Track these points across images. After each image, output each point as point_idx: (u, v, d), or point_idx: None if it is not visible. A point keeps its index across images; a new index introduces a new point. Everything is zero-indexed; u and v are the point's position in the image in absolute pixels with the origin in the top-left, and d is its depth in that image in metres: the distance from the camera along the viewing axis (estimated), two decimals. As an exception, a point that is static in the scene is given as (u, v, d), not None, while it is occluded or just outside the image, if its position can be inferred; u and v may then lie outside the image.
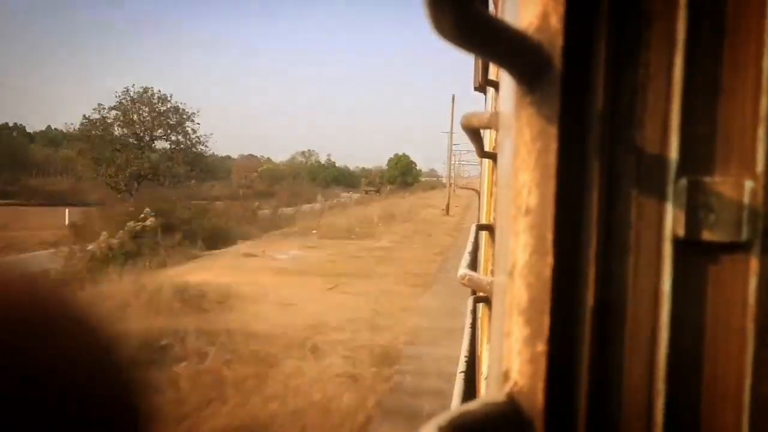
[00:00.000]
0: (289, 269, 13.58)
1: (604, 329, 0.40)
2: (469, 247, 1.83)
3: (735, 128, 0.39)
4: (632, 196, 0.40)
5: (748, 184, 0.39)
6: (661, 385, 0.39)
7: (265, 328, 7.97)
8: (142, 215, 17.25)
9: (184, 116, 41.34)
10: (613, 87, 0.40)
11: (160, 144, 41.05)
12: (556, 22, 0.38)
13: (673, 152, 0.39)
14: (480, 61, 2.59)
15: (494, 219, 1.77)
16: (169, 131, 40.96)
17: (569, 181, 0.39)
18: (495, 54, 0.38)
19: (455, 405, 1.64)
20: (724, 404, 0.39)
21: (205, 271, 12.71)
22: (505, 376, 0.39)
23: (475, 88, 3.23)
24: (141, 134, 39.94)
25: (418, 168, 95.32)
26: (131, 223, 16.57)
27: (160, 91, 40.97)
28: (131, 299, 8.89)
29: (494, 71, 1.95)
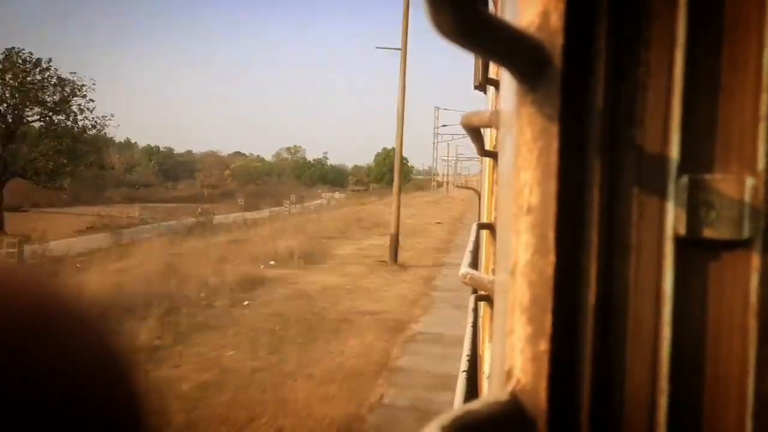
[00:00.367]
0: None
1: (606, 327, 0.40)
2: (470, 246, 1.83)
3: (735, 126, 0.39)
4: (633, 194, 0.40)
5: (749, 182, 0.39)
6: (663, 383, 0.39)
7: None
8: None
9: (73, 90, 29.98)
10: (613, 85, 0.40)
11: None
12: (556, 20, 0.38)
13: (674, 150, 0.39)
14: (480, 60, 2.59)
15: (495, 218, 1.77)
16: (46, 110, 29.54)
17: (570, 180, 0.39)
18: (495, 53, 0.38)
19: (458, 404, 1.64)
20: (727, 402, 0.39)
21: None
22: (508, 374, 0.39)
23: (475, 87, 3.23)
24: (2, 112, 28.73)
25: (410, 164, 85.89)
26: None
27: (32, 54, 29.06)
28: None
29: (494, 70, 1.95)
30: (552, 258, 0.38)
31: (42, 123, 30.14)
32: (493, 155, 1.85)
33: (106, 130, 32.67)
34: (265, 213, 33.76)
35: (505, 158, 0.49)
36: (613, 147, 0.40)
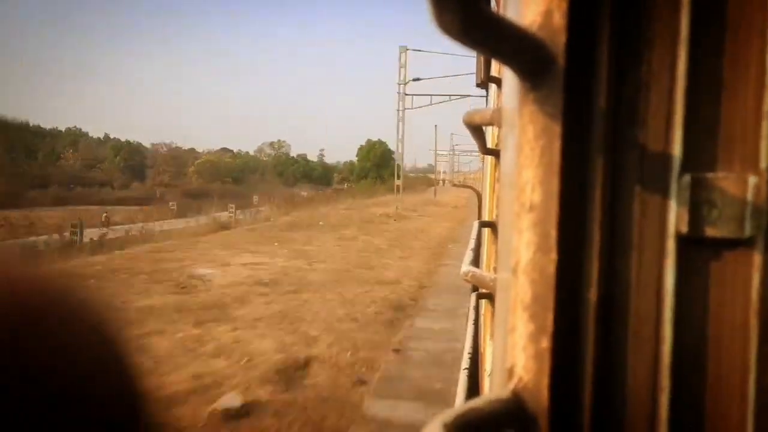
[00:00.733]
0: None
1: (608, 325, 0.40)
2: (471, 244, 1.83)
3: (738, 124, 0.39)
4: (635, 192, 0.40)
5: (752, 180, 0.39)
6: (665, 381, 0.39)
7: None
8: None
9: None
10: (616, 84, 0.40)
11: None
12: (559, 19, 0.38)
13: (677, 149, 0.40)
14: (482, 58, 2.58)
15: (497, 216, 1.77)
16: None
17: (573, 178, 0.39)
18: (498, 52, 0.38)
19: (459, 402, 1.65)
20: (729, 400, 0.39)
21: None
22: (510, 372, 0.39)
23: (477, 85, 3.23)
24: None
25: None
26: None
27: None
28: None
29: (496, 68, 1.94)
30: (554, 256, 0.38)
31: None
32: (495, 153, 1.85)
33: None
34: (204, 220, 23.11)
35: (507, 156, 0.49)
36: (616, 145, 0.40)
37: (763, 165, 0.39)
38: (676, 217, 0.40)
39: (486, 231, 2.35)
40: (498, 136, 1.77)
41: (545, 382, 0.38)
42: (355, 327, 7.07)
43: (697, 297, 0.40)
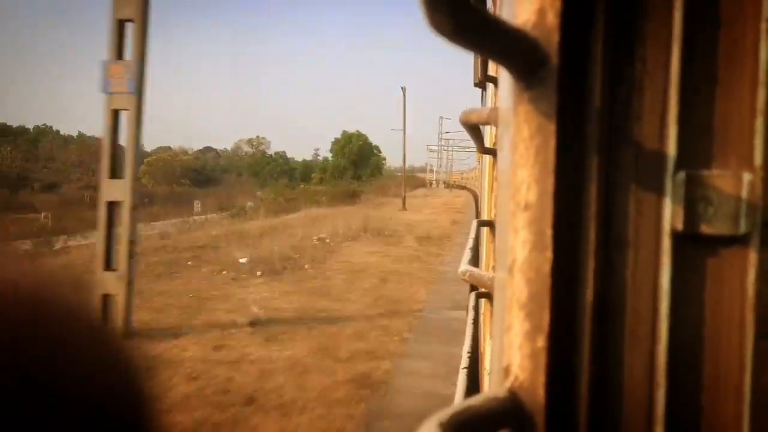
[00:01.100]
0: None
1: (604, 324, 0.40)
2: (469, 243, 1.83)
3: (733, 121, 0.39)
4: (631, 190, 0.40)
5: (746, 177, 0.39)
6: (661, 379, 0.39)
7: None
8: None
9: None
10: (610, 82, 0.40)
11: None
12: (552, 18, 0.38)
13: (671, 146, 0.40)
14: (479, 57, 2.59)
15: (495, 215, 1.77)
16: None
17: (568, 177, 0.39)
18: (492, 51, 0.38)
19: (458, 401, 1.64)
20: (725, 396, 0.39)
21: None
22: (506, 371, 0.40)
23: (475, 84, 3.23)
24: None
25: (381, 155, 64.21)
26: None
27: None
28: None
29: (493, 67, 1.95)
30: (549, 255, 0.38)
31: None
32: (492, 152, 1.85)
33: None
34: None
35: (503, 156, 0.49)
36: (611, 143, 0.40)
37: (757, 162, 0.39)
38: (671, 214, 0.40)
39: (485, 230, 2.35)
40: (495, 136, 1.77)
41: (541, 380, 0.38)
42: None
43: (693, 294, 0.40)
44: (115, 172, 7.26)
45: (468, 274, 1.17)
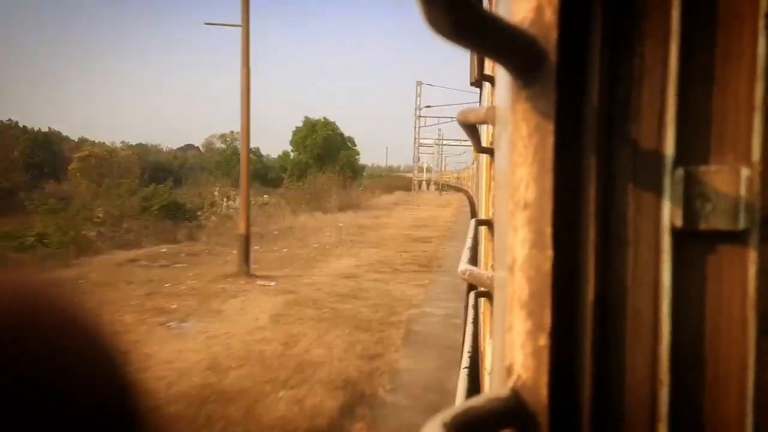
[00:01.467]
0: None
1: (606, 322, 0.40)
2: (468, 243, 1.83)
3: (730, 117, 0.39)
4: (629, 187, 0.40)
5: (744, 173, 0.39)
6: (663, 376, 0.39)
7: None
8: None
9: None
10: (608, 80, 0.40)
11: None
12: (550, 15, 0.38)
13: (670, 143, 0.40)
14: (476, 56, 2.59)
15: (493, 214, 1.77)
16: None
17: (566, 175, 0.39)
18: (490, 49, 0.38)
19: (459, 401, 1.65)
20: (727, 394, 0.39)
21: None
22: (508, 370, 0.39)
23: (472, 83, 3.24)
24: None
25: (355, 148, 49.66)
26: None
27: None
28: None
29: (490, 66, 1.95)
30: (549, 253, 0.38)
31: None
32: (489, 151, 1.85)
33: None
34: None
35: (501, 155, 0.49)
36: (609, 141, 0.40)
37: (755, 157, 0.39)
38: (670, 211, 0.40)
39: (483, 229, 2.35)
40: (492, 135, 1.77)
41: (544, 379, 0.38)
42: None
43: (694, 291, 0.40)
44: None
45: (467, 273, 1.17)
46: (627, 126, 0.40)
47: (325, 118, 48.42)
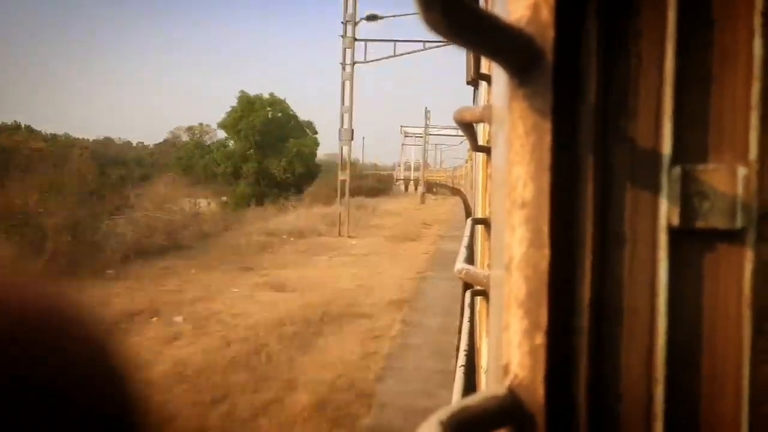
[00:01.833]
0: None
1: (602, 320, 0.40)
2: (465, 242, 1.83)
3: (727, 115, 0.39)
4: (627, 186, 0.40)
5: (741, 171, 0.39)
6: (659, 374, 0.39)
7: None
8: None
9: None
10: (605, 78, 0.40)
11: None
12: (547, 14, 0.37)
13: (666, 141, 0.40)
14: (472, 55, 2.59)
15: (490, 213, 1.77)
16: None
17: (564, 173, 0.39)
18: (487, 48, 0.38)
19: (456, 399, 1.65)
20: (723, 391, 0.39)
21: None
22: (505, 369, 0.39)
23: (468, 82, 3.23)
24: None
25: (315, 136, 36.84)
26: None
27: None
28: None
29: (486, 65, 1.95)
30: (546, 252, 0.38)
31: None
32: (486, 150, 1.85)
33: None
34: None
35: (498, 153, 0.49)
36: (606, 140, 0.40)
37: (752, 156, 0.39)
38: (667, 209, 0.40)
39: (480, 228, 2.35)
40: (489, 133, 1.77)
41: (540, 378, 0.38)
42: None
43: (690, 289, 0.40)
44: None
45: (464, 272, 1.17)
46: (624, 124, 0.40)
47: (272, 94, 36.03)
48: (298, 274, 10.79)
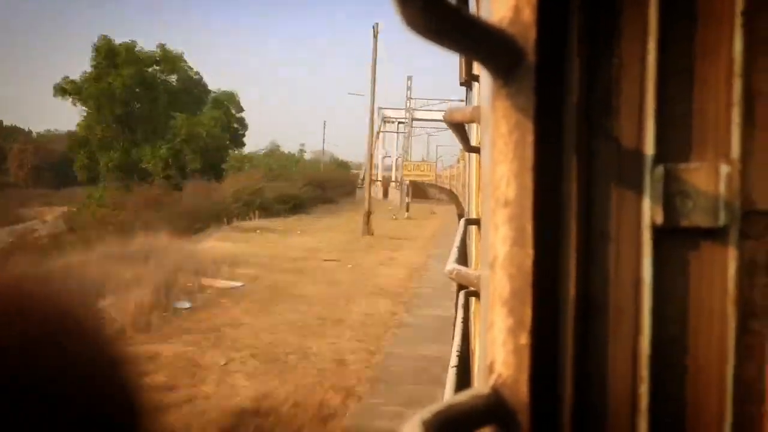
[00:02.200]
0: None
1: (587, 318, 0.40)
2: (456, 242, 1.83)
3: (709, 113, 0.39)
4: (610, 185, 0.40)
5: (724, 169, 0.39)
6: (644, 372, 0.39)
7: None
8: None
9: None
10: (587, 77, 0.40)
11: None
12: (529, 14, 0.38)
13: (649, 140, 0.40)
14: (464, 56, 2.59)
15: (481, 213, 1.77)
16: None
17: (547, 172, 0.39)
18: (469, 48, 0.38)
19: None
20: (708, 389, 0.39)
21: None
22: (490, 368, 0.39)
23: (461, 83, 3.24)
24: None
25: (236, 115, 26.17)
26: None
27: None
28: None
29: (478, 66, 1.95)
30: (530, 250, 0.38)
31: None
32: (478, 151, 1.86)
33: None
34: None
35: (484, 153, 0.49)
36: (589, 138, 0.40)
37: (734, 154, 0.39)
38: (650, 208, 0.40)
39: (473, 229, 2.35)
40: (479, 134, 1.78)
41: (525, 377, 0.38)
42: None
43: (675, 288, 0.40)
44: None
45: (455, 272, 1.17)
46: (607, 123, 0.40)
47: (163, 46, 24.62)
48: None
